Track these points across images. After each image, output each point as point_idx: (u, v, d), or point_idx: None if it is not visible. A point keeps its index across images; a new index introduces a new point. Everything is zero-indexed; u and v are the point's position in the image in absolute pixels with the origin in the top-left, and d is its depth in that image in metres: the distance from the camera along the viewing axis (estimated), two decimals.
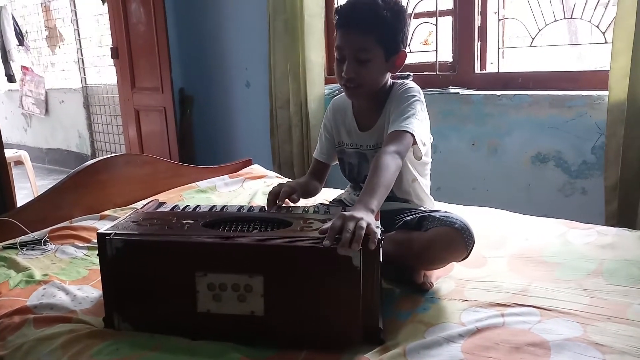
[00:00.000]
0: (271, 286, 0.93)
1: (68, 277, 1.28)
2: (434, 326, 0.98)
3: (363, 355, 0.91)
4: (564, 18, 2.06)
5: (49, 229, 1.56)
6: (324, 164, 1.44)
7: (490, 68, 2.24)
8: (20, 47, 5.09)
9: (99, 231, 1.00)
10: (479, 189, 2.21)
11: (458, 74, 2.27)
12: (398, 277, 1.16)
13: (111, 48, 3.32)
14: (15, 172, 3.14)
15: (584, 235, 1.38)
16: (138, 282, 1.00)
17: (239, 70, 3.04)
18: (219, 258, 0.96)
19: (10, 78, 5.00)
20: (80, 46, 4.20)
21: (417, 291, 1.13)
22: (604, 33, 1.96)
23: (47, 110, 5.02)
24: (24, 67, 5.09)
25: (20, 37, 5.02)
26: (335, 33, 1.23)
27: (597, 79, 1.94)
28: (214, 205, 1.25)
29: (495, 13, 2.19)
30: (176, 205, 1.26)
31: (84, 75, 4.30)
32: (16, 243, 1.46)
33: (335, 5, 2.41)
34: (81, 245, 1.48)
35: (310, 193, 1.42)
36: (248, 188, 1.98)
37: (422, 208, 1.32)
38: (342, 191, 1.50)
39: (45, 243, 1.47)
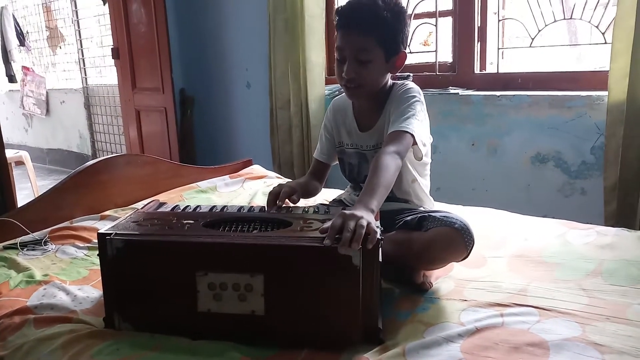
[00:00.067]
0: (272, 285, 0.94)
1: (68, 277, 1.28)
2: (433, 326, 0.98)
3: (362, 354, 0.92)
4: (564, 18, 2.06)
5: (49, 229, 1.56)
6: (324, 164, 1.44)
7: (490, 68, 2.25)
8: (21, 47, 5.09)
9: (99, 231, 1.00)
10: (478, 189, 2.21)
11: (458, 74, 2.28)
12: (398, 277, 1.17)
13: (112, 48, 3.32)
14: (16, 172, 3.14)
15: (584, 236, 1.38)
16: (138, 282, 1.00)
17: (239, 71, 3.04)
18: (220, 258, 0.96)
19: (11, 78, 5.01)
20: (81, 46, 4.21)
21: (416, 291, 1.13)
22: (603, 33, 1.96)
23: (48, 111, 5.03)
24: (24, 68, 5.10)
25: (21, 37, 5.03)
26: (335, 34, 1.24)
27: (596, 79, 1.95)
28: (214, 206, 1.25)
29: (495, 13, 2.19)
30: (176, 206, 1.27)
31: (85, 75, 4.31)
32: (17, 243, 1.46)
33: (336, 6, 2.41)
34: (82, 245, 1.48)
35: (310, 193, 1.42)
36: (248, 188, 1.98)
37: (422, 208, 1.32)
38: (342, 191, 1.50)
39: (45, 243, 1.47)
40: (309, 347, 0.94)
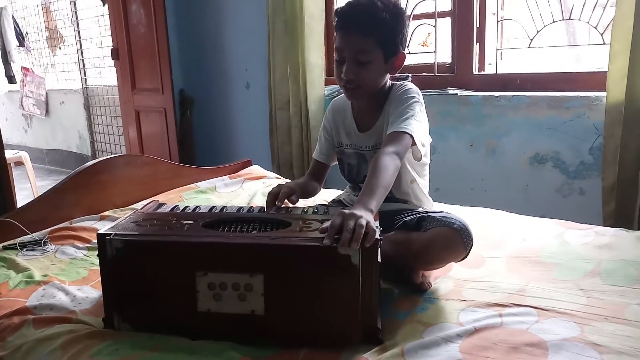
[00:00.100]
0: (271, 285, 0.94)
1: (68, 277, 1.29)
2: (432, 326, 0.99)
3: (361, 355, 0.92)
4: (562, 19, 2.07)
5: (49, 229, 1.56)
6: (323, 164, 1.45)
7: (489, 69, 2.25)
8: (20, 48, 5.09)
9: (99, 232, 1.01)
10: (477, 189, 2.22)
11: (456, 75, 2.28)
12: (397, 277, 1.17)
13: (111, 49, 3.33)
14: (15, 173, 3.14)
15: (582, 236, 1.38)
16: (138, 282, 1.00)
17: (238, 72, 3.05)
18: (220, 257, 0.97)
19: (11, 79, 5.01)
20: (81, 47, 4.21)
21: (415, 291, 1.13)
22: (602, 34, 1.97)
23: (47, 111, 5.03)
24: (24, 68, 5.10)
25: (20, 38, 5.03)
26: (334, 35, 1.24)
27: (595, 80, 1.95)
28: (214, 206, 1.26)
29: (494, 14, 2.20)
30: (176, 206, 1.27)
31: (85, 76, 4.31)
32: (16, 244, 1.46)
33: (335, 7, 2.42)
34: (81, 245, 1.48)
35: (309, 193, 1.42)
36: (247, 189, 1.99)
37: (421, 208, 1.33)
38: (341, 192, 1.51)
39: (45, 244, 1.47)
40: (308, 347, 0.94)
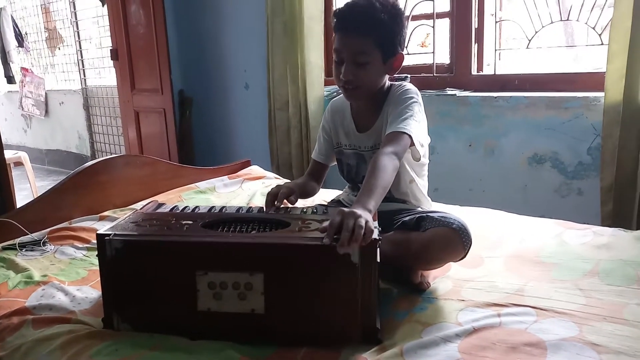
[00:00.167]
0: (271, 284, 0.94)
1: (67, 277, 1.29)
2: (431, 326, 0.99)
3: (361, 354, 0.92)
4: (561, 20, 2.07)
5: (48, 229, 1.56)
6: (322, 164, 1.45)
7: (487, 70, 2.25)
8: (20, 48, 5.09)
9: (98, 232, 1.01)
10: (475, 189, 2.22)
11: (455, 75, 2.28)
12: (396, 277, 1.17)
13: (111, 49, 3.33)
14: (15, 173, 3.14)
15: (580, 236, 1.39)
16: (137, 282, 1.00)
17: (238, 72, 3.05)
18: (220, 257, 0.97)
19: (10, 79, 5.01)
20: (80, 48, 4.21)
21: (414, 291, 1.14)
22: (600, 35, 1.97)
23: (46, 112, 5.03)
24: (23, 69, 5.09)
25: (19, 38, 5.03)
26: (333, 35, 1.24)
27: (593, 80, 1.95)
28: (213, 206, 1.26)
29: (492, 15, 2.20)
30: (175, 206, 1.27)
31: (84, 76, 4.31)
32: (15, 244, 1.46)
33: (334, 8, 2.42)
34: (80, 246, 1.49)
35: (308, 194, 1.43)
36: (247, 189, 1.99)
37: (419, 209, 1.33)
38: (341, 192, 1.51)
39: (44, 244, 1.47)
40: (308, 346, 0.94)
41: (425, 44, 2.63)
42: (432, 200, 1.43)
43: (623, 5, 1.73)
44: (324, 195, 1.71)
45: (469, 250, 1.10)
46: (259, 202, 1.77)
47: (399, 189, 1.31)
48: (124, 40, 3.20)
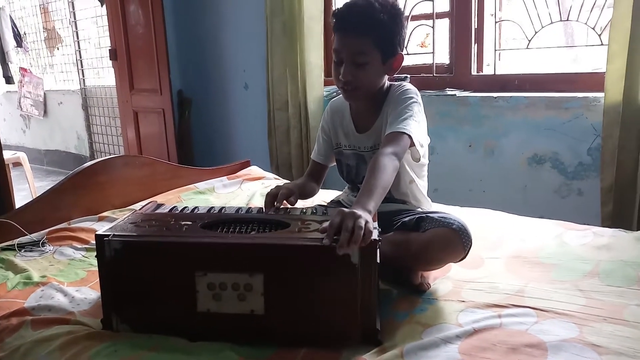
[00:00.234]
0: (271, 285, 0.94)
1: (66, 278, 1.28)
2: (431, 327, 0.99)
3: (361, 355, 0.92)
4: (560, 20, 2.07)
5: (47, 230, 1.56)
6: (322, 165, 1.45)
7: (487, 70, 2.25)
8: (18, 48, 5.08)
9: (97, 232, 1.00)
10: (475, 190, 2.22)
11: (455, 75, 2.28)
12: (395, 278, 1.17)
13: (109, 50, 3.32)
14: (13, 174, 3.13)
15: (580, 237, 1.39)
16: (136, 283, 1.00)
17: (237, 72, 3.04)
18: (219, 257, 0.97)
19: (9, 79, 4.99)
20: (79, 48, 4.20)
21: (414, 292, 1.13)
22: (600, 35, 1.97)
23: (45, 112, 5.02)
24: (22, 69, 5.09)
25: (18, 38, 5.02)
26: (332, 36, 1.24)
27: (593, 80, 1.95)
28: (212, 207, 1.26)
29: (492, 15, 2.20)
30: (174, 207, 1.27)
31: (83, 76, 4.30)
32: (14, 244, 1.46)
33: (333, 8, 2.42)
34: (79, 246, 1.48)
35: (307, 194, 1.42)
36: (246, 189, 1.98)
37: (419, 209, 1.33)
38: (340, 192, 1.51)
39: (43, 244, 1.47)
40: (308, 347, 0.94)
41: (425, 44, 2.63)
42: (432, 201, 1.43)
43: (623, 5, 1.73)
44: (324, 196, 1.70)
45: (469, 250, 1.09)
46: (259, 202, 1.77)
47: (399, 189, 1.31)
48: (123, 40, 3.19)
